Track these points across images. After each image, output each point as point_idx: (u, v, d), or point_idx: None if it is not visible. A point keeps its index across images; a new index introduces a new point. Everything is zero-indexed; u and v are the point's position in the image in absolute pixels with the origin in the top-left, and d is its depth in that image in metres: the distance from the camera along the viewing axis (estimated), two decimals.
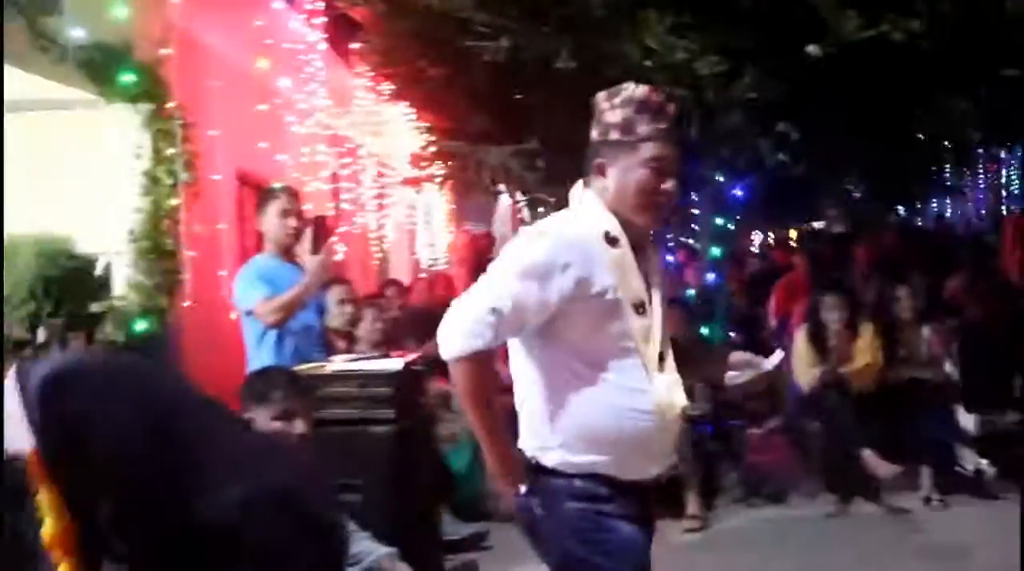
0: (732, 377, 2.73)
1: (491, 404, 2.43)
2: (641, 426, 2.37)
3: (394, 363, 4.30)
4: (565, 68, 5.03)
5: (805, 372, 6.25)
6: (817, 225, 16.03)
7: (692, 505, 5.82)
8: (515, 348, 2.49)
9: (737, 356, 2.73)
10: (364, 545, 3.50)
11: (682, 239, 7.77)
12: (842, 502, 6.01)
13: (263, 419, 3.26)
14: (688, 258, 7.37)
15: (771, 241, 14.11)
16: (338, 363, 4.32)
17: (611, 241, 2.37)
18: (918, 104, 4.91)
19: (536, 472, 2.44)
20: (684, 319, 6.28)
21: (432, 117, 8.11)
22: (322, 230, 4.59)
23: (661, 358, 2.44)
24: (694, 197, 6.92)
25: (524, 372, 2.48)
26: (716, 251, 6.59)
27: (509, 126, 6.08)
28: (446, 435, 5.85)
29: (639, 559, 2.44)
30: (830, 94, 4.85)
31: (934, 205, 19.11)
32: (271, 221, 4.62)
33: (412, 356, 4.59)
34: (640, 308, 2.39)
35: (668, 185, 2.40)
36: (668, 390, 2.45)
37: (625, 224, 2.40)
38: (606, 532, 2.40)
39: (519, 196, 10.69)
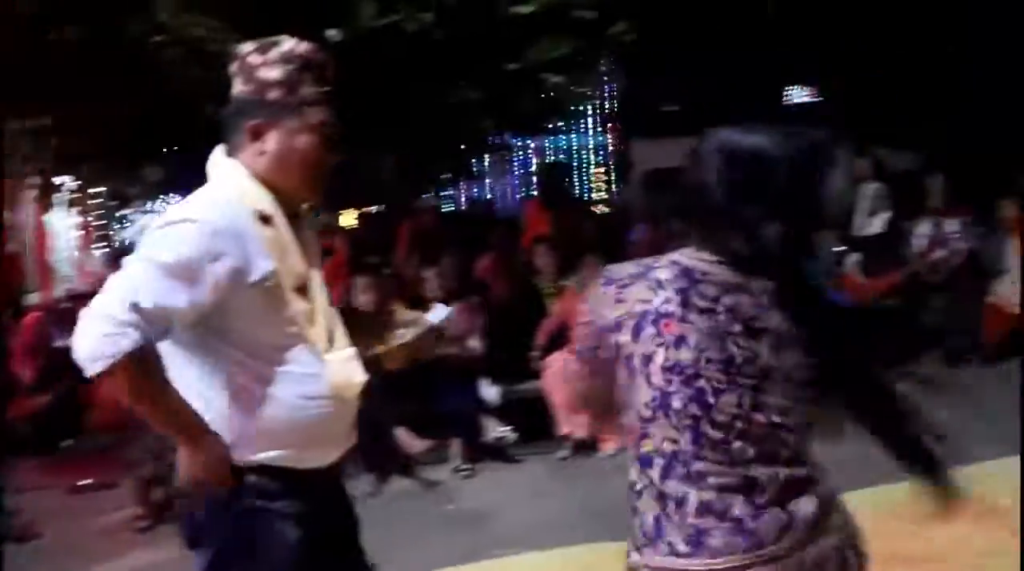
0: (400, 335, 2.66)
1: (168, 393, 2.12)
2: (317, 412, 2.20)
3: None
4: (71, 39, 4.64)
5: None
6: (375, 209, 16.42)
7: None
8: (169, 346, 2.18)
9: (404, 314, 2.67)
10: None
11: None
12: (380, 481, 6.18)
13: None
14: None
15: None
16: None
17: (264, 220, 2.14)
18: (436, 92, 5.16)
19: None
20: None
21: None
22: None
23: (331, 337, 2.27)
24: None
25: (183, 370, 2.20)
26: None
27: (15, 102, 5.49)
28: None
29: (294, 565, 2.25)
30: (354, 79, 4.91)
31: (476, 190, 20.53)
32: None
33: None
34: (302, 290, 2.21)
35: (331, 154, 2.23)
36: (343, 369, 2.28)
37: (280, 196, 2.18)
38: (268, 535, 2.23)
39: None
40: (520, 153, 20.34)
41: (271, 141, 2.19)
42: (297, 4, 4.64)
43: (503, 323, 7.41)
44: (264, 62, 2.18)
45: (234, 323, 2.16)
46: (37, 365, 7.12)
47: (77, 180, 7.21)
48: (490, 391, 6.72)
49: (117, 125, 5.41)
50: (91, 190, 6.96)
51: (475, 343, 6.88)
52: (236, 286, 2.11)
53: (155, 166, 5.92)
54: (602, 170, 24.55)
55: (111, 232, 13.45)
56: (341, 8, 4.59)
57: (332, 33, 4.63)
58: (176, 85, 4.74)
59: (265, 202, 2.17)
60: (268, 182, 2.18)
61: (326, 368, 2.25)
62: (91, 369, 2.05)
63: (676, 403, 1.73)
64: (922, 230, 8.71)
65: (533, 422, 6.64)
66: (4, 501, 5.49)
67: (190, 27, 4.44)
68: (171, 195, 7.43)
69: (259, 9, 4.74)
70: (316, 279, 2.28)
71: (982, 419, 6.61)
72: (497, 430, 6.49)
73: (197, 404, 2.19)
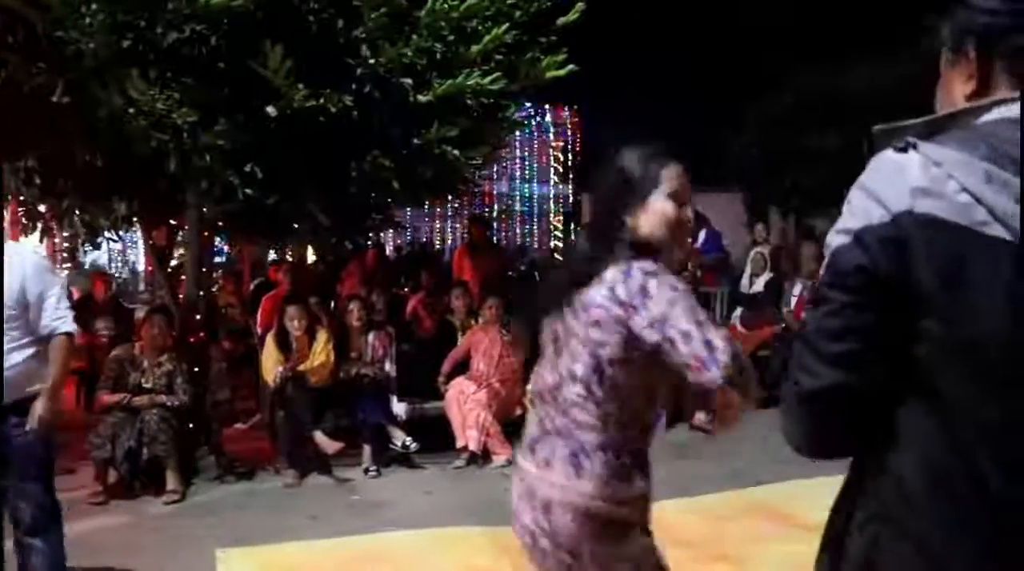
0: None
1: None
2: None
3: None
4: (60, 102, 5.73)
5: (271, 369, 7.47)
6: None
7: (172, 481, 6.81)
8: None
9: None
10: None
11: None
12: (300, 475, 7.28)
13: None
14: None
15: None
16: None
17: None
18: (355, 160, 6.28)
19: None
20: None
21: None
22: None
23: None
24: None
25: None
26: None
27: (8, 145, 6.57)
28: None
29: None
30: (288, 144, 6.03)
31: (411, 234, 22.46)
32: None
33: None
34: None
35: None
36: None
37: None
38: None
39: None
40: (477, 198, 22.15)
41: None
42: (240, 84, 5.79)
43: (421, 351, 8.59)
44: None
45: None
46: None
47: (54, 212, 8.10)
48: (399, 407, 7.84)
49: (93, 171, 6.51)
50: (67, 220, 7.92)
51: (389, 366, 8.02)
52: None
53: (122, 203, 6.98)
54: (559, 219, 26.19)
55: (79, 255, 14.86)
56: (277, 90, 5.73)
57: (270, 109, 5.75)
58: (141, 147, 5.85)
59: None
60: None
61: None
62: None
63: None
64: (796, 290, 9.93)
65: (435, 436, 7.74)
66: None
67: (156, 102, 5.56)
68: (134, 227, 8.63)
69: (210, 86, 5.88)
70: None
71: None
72: (404, 440, 7.52)
73: None
